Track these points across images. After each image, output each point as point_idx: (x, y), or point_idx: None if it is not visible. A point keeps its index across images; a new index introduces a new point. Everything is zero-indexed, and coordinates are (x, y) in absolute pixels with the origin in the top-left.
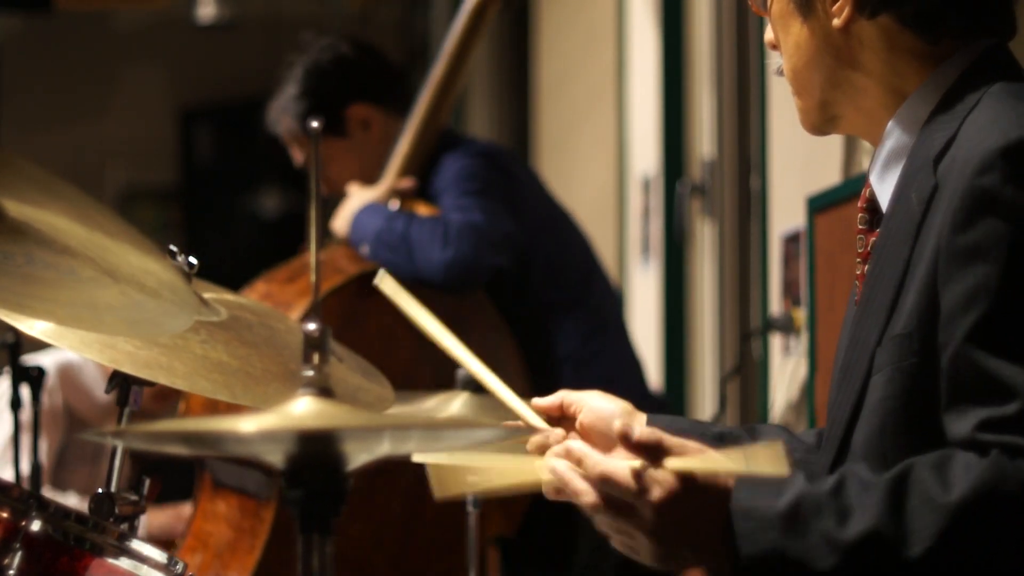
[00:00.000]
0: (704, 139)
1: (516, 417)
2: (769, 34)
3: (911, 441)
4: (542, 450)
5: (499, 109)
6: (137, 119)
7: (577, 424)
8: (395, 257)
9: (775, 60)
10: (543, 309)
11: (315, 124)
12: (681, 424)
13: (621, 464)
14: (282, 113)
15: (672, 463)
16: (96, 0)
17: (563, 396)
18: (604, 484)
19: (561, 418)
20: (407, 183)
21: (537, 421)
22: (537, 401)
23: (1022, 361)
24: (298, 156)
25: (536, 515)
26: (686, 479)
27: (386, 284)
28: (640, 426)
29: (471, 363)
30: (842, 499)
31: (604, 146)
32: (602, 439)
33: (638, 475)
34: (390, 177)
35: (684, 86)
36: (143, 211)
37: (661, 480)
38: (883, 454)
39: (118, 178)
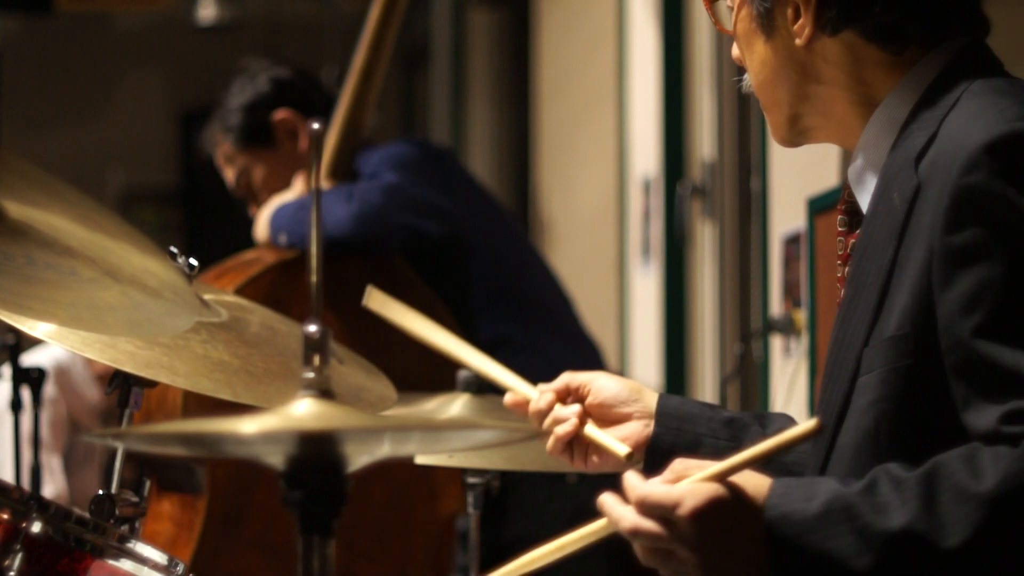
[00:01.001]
0: (704, 141)
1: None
2: (736, 51)
3: (906, 442)
4: (534, 415)
5: (499, 111)
6: (137, 121)
7: (586, 404)
8: (301, 227)
9: (746, 78)
10: (476, 294)
11: (316, 126)
12: (691, 407)
13: (658, 486)
14: (216, 125)
15: (703, 473)
16: (96, 1)
17: (568, 379)
18: (641, 506)
19: (567, 400)
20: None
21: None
22: (543, 385)
23: None
24: (230, 176)
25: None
26: (718, 492)
27: (373, 299)
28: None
29: (471, 357)
30: (875, 497)
31: (605, 148)
32: (610, 418)
33: (670, 489)
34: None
35: (684, 88)
36: (143, 213)
37: (693, 491)
38: (877, 455)
39: (118, 180)
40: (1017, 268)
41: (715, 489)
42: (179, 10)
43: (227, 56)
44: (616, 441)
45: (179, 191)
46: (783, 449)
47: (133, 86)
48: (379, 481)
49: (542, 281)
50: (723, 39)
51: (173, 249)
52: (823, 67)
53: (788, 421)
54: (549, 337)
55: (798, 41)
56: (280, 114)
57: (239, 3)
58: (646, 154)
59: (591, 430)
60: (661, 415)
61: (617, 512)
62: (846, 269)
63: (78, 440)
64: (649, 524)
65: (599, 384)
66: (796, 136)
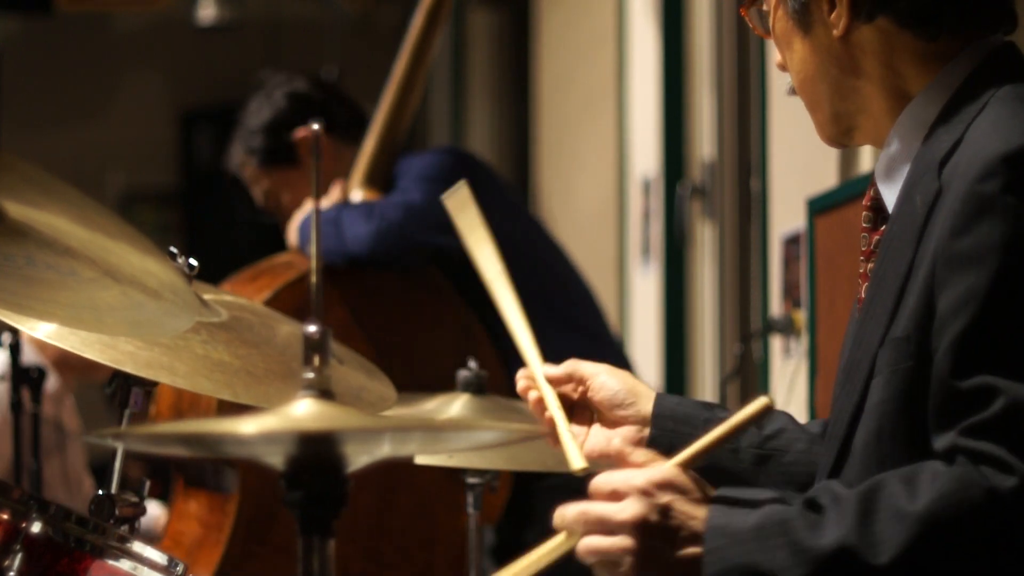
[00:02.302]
0: (704, 141)
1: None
2: (777, 56)
3: (908, 444)
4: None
5: (499, 111)
6: (137, 121)
7: (586, 398)
8: (326, 241)
9: (786, 80)
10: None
11: (316, 126)
12: (687, 408)
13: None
14: (238, 146)
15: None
16: (96, 2)
17: (572, 367)
18: (607, 479)
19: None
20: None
21: (551, 399)
22: (547, 368)
23: (1003, 369)
24: (258, 195)
25: None
26: (679, 474)
27: (455, 198)
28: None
29: (511, 315)
30: (813, 513)
31: (605, 148)
32: (606, 419)
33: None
34: (352, 182)
35: (684, 88)
36: (143, 213)
37: (659, 464)
38: (881, 458)
39: (118, 180)
40: (1005, 283)
41: (677, 471)
42: (179, 10)
43: (227, 56)
44: (576, 451)
45: (179, 191)
46: (738, 430)
47: (133, 86)
48: (406, 491)
49: (572, 292)
50: (723, 39)
51: (173, 249)
52: (860, 59)
53: (788, 419)
54: (577, 342)
55: (835, 32)
56: (301, 132)
57: (239, 3)
58: (646, 154)
59: (562, 429)
60: (657, 417)
61: (572, 510)
62: (868, 265)
63: (44, 427)
64: (607, 489)
65: (599, 382)
66: (841, 135)
